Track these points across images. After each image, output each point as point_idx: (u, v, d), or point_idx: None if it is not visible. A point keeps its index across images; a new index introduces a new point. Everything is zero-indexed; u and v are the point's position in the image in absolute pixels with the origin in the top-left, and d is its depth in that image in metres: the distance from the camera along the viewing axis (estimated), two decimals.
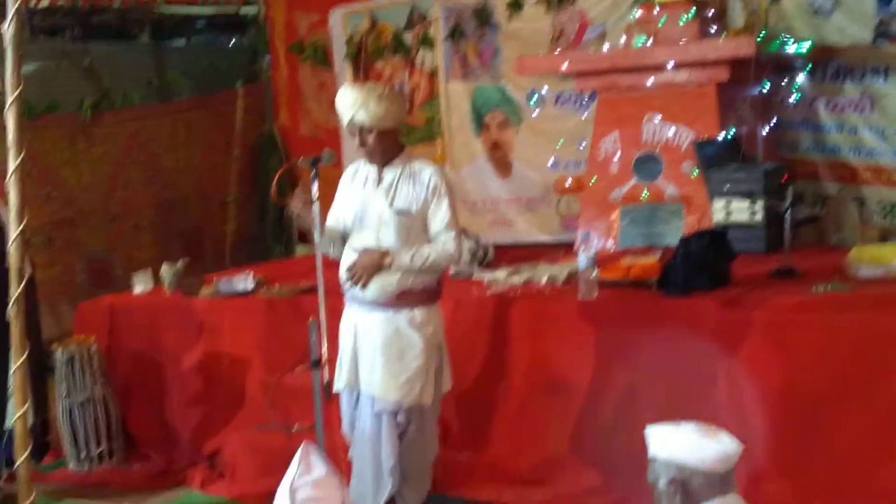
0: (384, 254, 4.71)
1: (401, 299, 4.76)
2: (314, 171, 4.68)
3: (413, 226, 4.76)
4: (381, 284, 4.74)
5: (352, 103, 4.69)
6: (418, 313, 4.79)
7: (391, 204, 4.75)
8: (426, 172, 4.79)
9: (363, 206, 4.81)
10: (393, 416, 4.81)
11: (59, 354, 6.55)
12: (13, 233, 4.76)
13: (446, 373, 4.99)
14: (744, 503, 2.96)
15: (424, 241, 4.79)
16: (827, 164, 7.14)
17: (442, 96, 8.81)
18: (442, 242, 4.77)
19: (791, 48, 6.94)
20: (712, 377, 5.24)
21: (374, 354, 4.77)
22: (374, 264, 4.71)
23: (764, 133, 7.11)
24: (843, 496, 4.83)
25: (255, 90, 10.05)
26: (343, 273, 4.80)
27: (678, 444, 2.95)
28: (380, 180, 4.81)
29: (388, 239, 4.75)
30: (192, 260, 7.63)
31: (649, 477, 3.03)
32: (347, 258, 4.81)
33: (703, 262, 5.58)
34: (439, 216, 4.77)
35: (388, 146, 4.78)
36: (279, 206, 4.67)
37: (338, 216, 4.90)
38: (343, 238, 4.89)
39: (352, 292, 4.83)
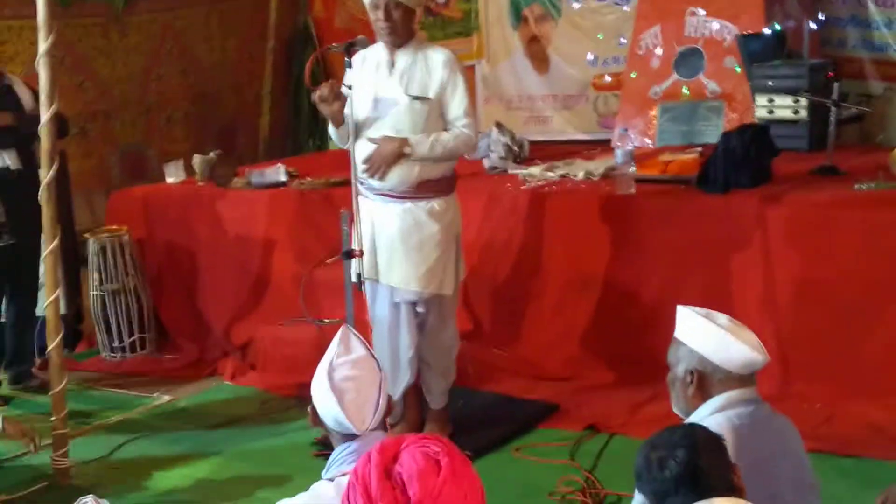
0: (403, 142, 4.58)
1: (420, 189, 4.66)
2: (347, 56, 4.57)
3: (431, 112, 4.64)
4: (402, 174, 4.62)
5: None
6: (437, 203, 4.70)
7: (406, 90, 4.63)
8: (440, 57, 4.66)
9: (376, 94, 4.67)
10: (412, 307, 4.76)
11: (92, 244, 6.55)
12: (44, 116, 4.73)
13: (461, 263, 4.93)
14: (758, 398, 2.90)
15: (440, 128, 4.68)
16: (874, 61, 6.94)
17: None
18: (460, 128, 4.66)
19: None
20: (750, 275, 5.17)
21: (392, 245, 4.69)
22: (393, 153, 4.58)
23: (810, 29, 6.92)
24: (876, 396, 4.79)
25: None
26: (360, 164, 4.65)
27: (707, 337, 2.88)
28: (392, 65, 4.68)
29: (404, 127, 4.62)
30: (226, 153, 7.58)
31: (669, 356, 2.98)
32: (364, 148, 4.66)
33: (744, 158, 5.46)
34: (456, 101, 4.65)
35: (408, 25, 4.65)
36: (312, 98, 4.57)
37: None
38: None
39: (369, 183, 4.70)
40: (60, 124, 5.18)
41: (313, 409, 2.90)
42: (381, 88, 4.66)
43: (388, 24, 4.58)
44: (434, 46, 4.81)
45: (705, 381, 2.88)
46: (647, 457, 2.40)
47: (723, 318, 2.93)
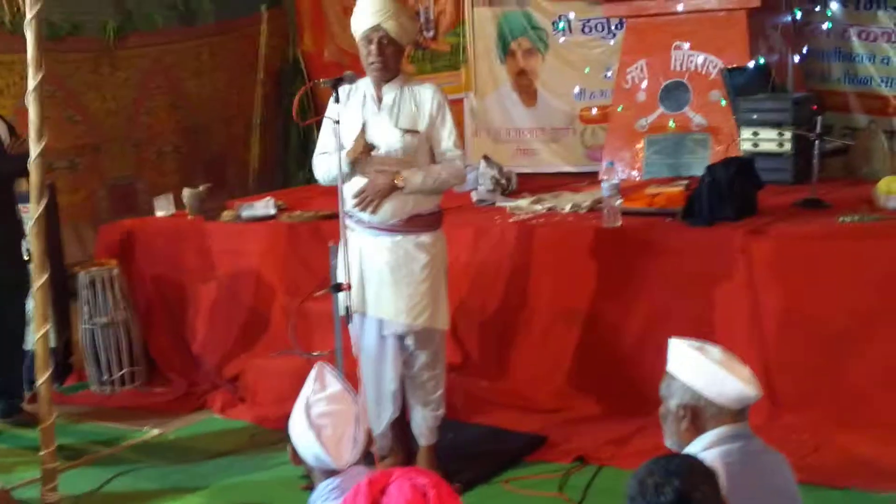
0: (395, 175, 4.60)
1: (409, 224, 4.67)
2: (336, 92, 4.60)
3: (420, 145, 4.68)
4: (394, 207, 4.63)
5: (381, 10, 4.57)
6: (425, 237, 4.71)
7: (396, 124, 4.67)
8: (427, 91, 4.72)
9: (365, 128, 4.65)
10: (398, 340, 4.76)
11: (81, 277, 6.55)
12: (34, 152, 4.74)
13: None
14: (751, 433, 2.90)
15: (429, 161, 4.71)
16: (858, 94, 7.03)
17: (468, 22, 8.68)
18: (450, 160, 4.70)
19: None
20: (735, 307, 5.19)
21: (381, 278, 4.68)
22: (386, 187, 4.59)
23: (794, 62, 6.99)
24: (863, 427, 4.81)
25: (279, 14, 9.92)
26: (350, 197, 4.64)
27: (701, 371, 2.88)
28: (379, 100, 4.71)
29: (395, 160, 4.63)
30: (216, 186, 7.60)
31: (662, 390, 2.98)
32: (354, 182, 4.65)
33: (729, 191, 5.50)
34: (445, 133, 4.70)
35: (398, 63, 4.72)
36: (302, 129, 4.62)
37: (329, 145, 4.68)
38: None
39: (358, 216, 4.70)
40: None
41: (292, 448, 2.92)
42: (370, 123, 4.68)
43: (380, 59, 4.63)
44: (419, 81, 4.88)
45: (698, 416, 2.88)
46: (642, 481, 2.39)
47: (716, 351, 2.94)
